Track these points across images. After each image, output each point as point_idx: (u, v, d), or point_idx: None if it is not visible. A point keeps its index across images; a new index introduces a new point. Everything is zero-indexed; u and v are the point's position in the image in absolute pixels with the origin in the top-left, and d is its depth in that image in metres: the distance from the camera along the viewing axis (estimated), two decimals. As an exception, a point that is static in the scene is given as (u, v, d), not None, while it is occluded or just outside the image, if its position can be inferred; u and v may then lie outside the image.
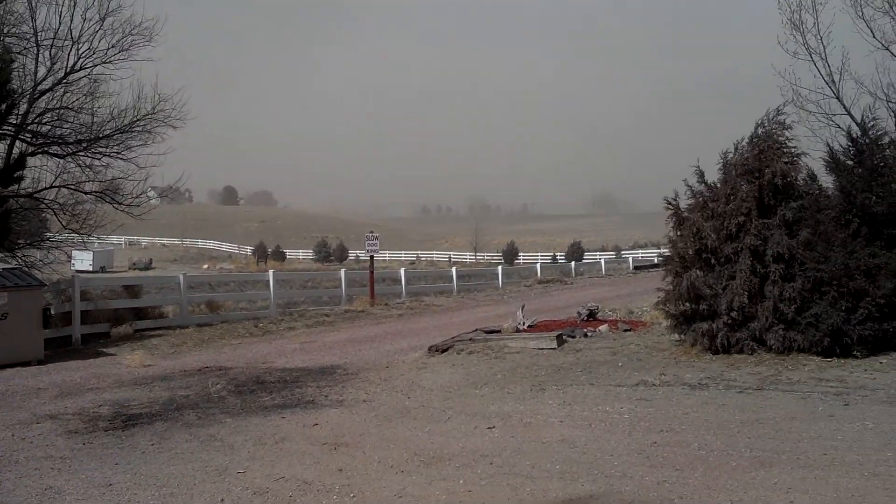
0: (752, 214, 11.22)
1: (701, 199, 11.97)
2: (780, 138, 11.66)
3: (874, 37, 15.98)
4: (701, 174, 12.08)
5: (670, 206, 12.19)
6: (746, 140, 11.90)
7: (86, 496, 6.47)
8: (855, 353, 10.62)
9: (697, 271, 11.45)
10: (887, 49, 15.90)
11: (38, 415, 9.68)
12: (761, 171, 11.36)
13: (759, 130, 11.81)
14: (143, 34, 19.78)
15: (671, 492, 5.94)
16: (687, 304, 11.61)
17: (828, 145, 12.64)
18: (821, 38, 15.90)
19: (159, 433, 8.57)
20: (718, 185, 11.92)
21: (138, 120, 19.62)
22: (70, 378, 12.30)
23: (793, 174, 11.54)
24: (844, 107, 15.74)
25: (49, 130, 19.27)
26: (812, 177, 12.13)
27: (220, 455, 7.62)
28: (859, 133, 12.83)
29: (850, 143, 12.48)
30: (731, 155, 11.98)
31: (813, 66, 16.01)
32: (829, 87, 15.88)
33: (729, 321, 11.08)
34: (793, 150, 11.65)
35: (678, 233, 12.08)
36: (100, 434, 8.60)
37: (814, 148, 13.79)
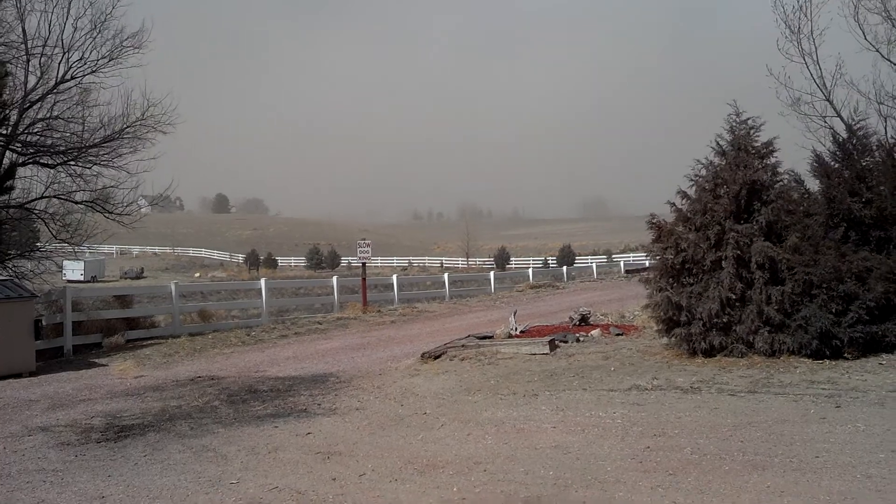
0: (728, 222, 11.31)
1: (681, 213, 12.06)
2: (748, 141, 11.76)
3: (865, 38, 16.07)
4: (684, 193, 12.15)
5: (653, 224, 12.26)
6: (714, 147, 12.03)
7: (79, 509, 6.45)
8: (846, 355, 10.67)
9: (669, 289, 11.65)
10: (878, 51, 15.98)
11: (30, 427, 9.65)
12: (733, 178, 11.45)
13: (727, 136, 11.93)
14: (133, 42, 19.81)
15: (665, 497, 5.95)
16: (670, 312, 11.66)
17: (813, 151, 12.66)
18: (813, 40, 15.97)
19: (152, 444, 8.54)
20: (694, 196, 12.01)
21: (128, 126, 19.62)
22: (62, 389, 12.26)
23: (766, 176, 11.59)
24: (835, 109, 15.79)
25: (39, 140, 19.23)
26: (798, 181, 12.16)
27: (213, 466, 7.60)
28: (846, 136, 12.86)
29: (836, 147, 12.51)
30: (701, 167, 12.09)
31: (805, 69, 16.09)
32: (821, 91, 15.94)
33: (703, 327, 11.20)
34: (762, 150, 11.72)
35: (658, 245, 12.15)
36: (92, 446, 8.57)
37: (807, 146, 13.89)
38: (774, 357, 10.77)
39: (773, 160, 11.73)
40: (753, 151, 11.68)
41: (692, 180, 12.08)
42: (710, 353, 11.28)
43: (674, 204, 12.16)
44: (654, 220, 12.27)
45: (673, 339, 11.72)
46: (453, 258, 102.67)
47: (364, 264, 26.41)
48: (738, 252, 11.06)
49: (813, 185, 12.38)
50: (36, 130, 19.31)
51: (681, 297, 11.44)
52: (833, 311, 10.57)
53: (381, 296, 27.85)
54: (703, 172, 12.02)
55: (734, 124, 11.92)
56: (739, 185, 11.34)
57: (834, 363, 10.48)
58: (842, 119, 15.27)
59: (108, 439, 8.84)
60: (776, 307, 10.71)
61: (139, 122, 19.76)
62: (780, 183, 11.80)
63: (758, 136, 11.83)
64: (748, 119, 11.91)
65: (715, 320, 11.11)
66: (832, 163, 12.37)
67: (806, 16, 15.99)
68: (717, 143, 11.98)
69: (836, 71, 15.82)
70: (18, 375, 13.57)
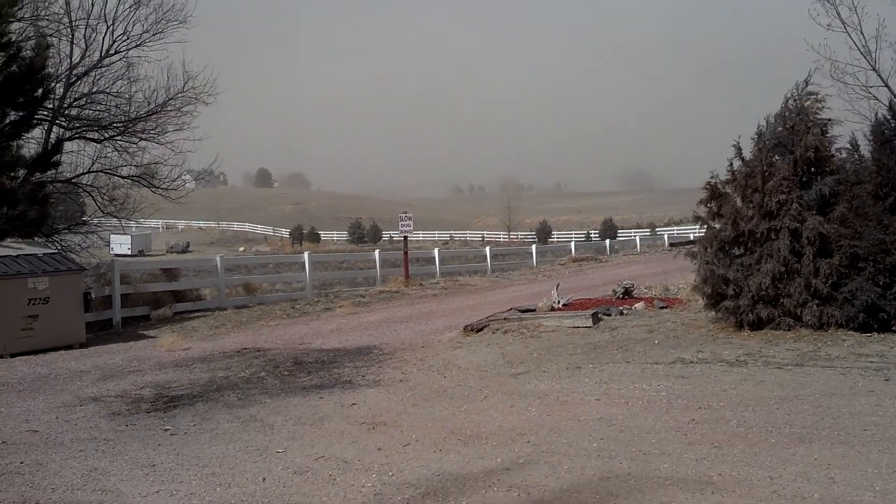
0: (793, 193, 11.07)
1: (738, 177, 11.79)
2: (810, 110, 11.50)
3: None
4: (739, 150, 11.89)
5: (708, 185, 12.03)
6: (774, 115, 11.75)
7: (130, 476, 6.59)
8: (894, 328, 10.50)
9: (716, 262, 11.42)
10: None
11: (82, 397, 9.86)
12: (794, 145, 11.22)
13: (790, 104, 11.65)
14: (177, 17, 19.98)
15: (710, 469, 5.93)
16: (718, 287, 11.49)
17: (867, 117, 12.37)
18: (855, 8, 15.58)
19: (200, 414, 8.69)
20: (754, 161, 11.75)
21: (171, 99, 19.83)
22: (111, 361, 12.50)
23: (826, 147, 11.36)
24: (882, 78, 15.46)
25: (85, 114, 19.48)
26: (854, 146, 11.88)
27: (261, 435, 7.72)
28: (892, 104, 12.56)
29: (891, 115, 12.22)
30: (763, 130, 11.82)
31: (848, 38, 15.72)
32: (866, 59, 15.59)
33: (752, 300, 11.03)
34: (824, 122, 11.48)
35: (708, 208, 11.92)
36: (142, 415, 8.75)
37: (852, 120, 13.57)
38: (822, 330, 10.61)
39: (827, 125, 11.47)
40: (813, 122, 11.40)
41: (754, 145, 11.80)
42: (756, 325, 11.12)
43: (731, 165, 11.90)
44: (712, 181, 12.02)
45: (719, 312, 11.58)
46: (494, 232, 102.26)
47: (406, 238, 26.45)
48: (797, 225, 10.82)
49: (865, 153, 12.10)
50: (82, 105, 19.56)
51: (728, 270, 11.26)
52: (880, 283, 10.40)
53: (423, 269, 27.86)
54: (764, 134, 11.74)
55: (794, 91, 11.64)
56: (803, 150, 11.06)
57: (882, 336, 10.32)
58: (889, 88, 14.94)
59: (158, 409, 9.01)
60: (823, 280, 10.55)
61: (181, 94, 19.95)
62: (846, 149, 11.56)
63: (819, 104, 11.56)
64: (808, 87, 11.62)
65: (763, 293, 10.95)
66: (886, 131, 12.07)
67: None
68: (786, 104, 11.66)
69: (878, 34, 15.43)
70: (69, 347, 13.85)
